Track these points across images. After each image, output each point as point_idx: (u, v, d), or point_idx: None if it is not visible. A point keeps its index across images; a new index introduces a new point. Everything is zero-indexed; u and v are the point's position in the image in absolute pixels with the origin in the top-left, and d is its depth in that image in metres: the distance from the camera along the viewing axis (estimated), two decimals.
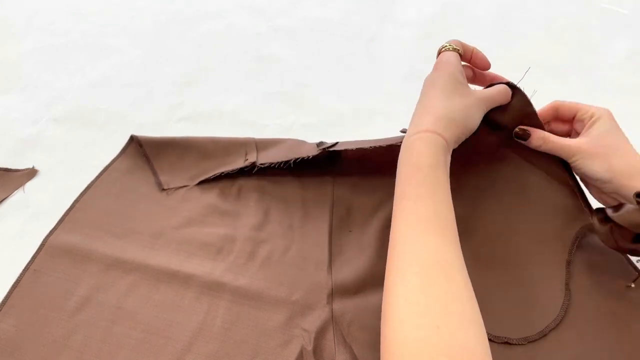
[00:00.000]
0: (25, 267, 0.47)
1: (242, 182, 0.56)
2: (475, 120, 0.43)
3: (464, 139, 0.43)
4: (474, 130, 0.44)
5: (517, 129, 0.46)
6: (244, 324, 0.43)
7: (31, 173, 0.59)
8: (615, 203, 0.43)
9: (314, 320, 0.43)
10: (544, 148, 0.46)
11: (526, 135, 0.46)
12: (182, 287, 0.46)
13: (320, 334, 0.42)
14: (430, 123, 0.41)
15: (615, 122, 0.45)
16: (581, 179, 0.46)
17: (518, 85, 0.47)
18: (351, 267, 0.47)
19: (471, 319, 0.32)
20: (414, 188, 0.38)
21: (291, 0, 0.96)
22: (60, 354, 0.41)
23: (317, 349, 0.41)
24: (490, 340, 0.41)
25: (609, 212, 0.42)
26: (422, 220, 0.36)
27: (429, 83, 0.45)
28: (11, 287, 0.46)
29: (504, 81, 0.47)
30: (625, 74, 0.74)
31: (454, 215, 0.38)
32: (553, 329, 0.42)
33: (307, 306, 0.45)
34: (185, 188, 0.56)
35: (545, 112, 0.48)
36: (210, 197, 0.55)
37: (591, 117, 0.45)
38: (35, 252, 0.49)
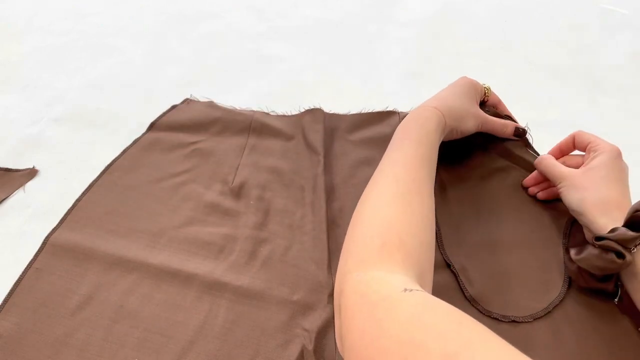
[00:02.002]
0: (27, 266, 0.47)
1: (245, 173, 0.57)
2: (468, 126, 0.51)
3: (454, 135, 0.51)
4: (464, 135, 0.52)
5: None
6: (245, 324, 0.43)
7: (31, 173, 0.59)
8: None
9: (314, 320, 0.43)
10: (539, 168, 0.51)
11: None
12: (183, 287, 0.46)
13: (321, 333, 0.42)
14: (437, 104, 0.49)
15: (617, 160, 0.45)
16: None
17: (527, 133, 0.56)
18: None
19: (415, 219, 0.37)
20: (416, 136, 0.45)
21: (291, 0, 0.96)
22: (62, 352, 0.41)
23: (317, 349, 0.41)
24: (497, 319, 0.43)
25: (572, 254, 0.43)
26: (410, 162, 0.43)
27: (453, 83, 0.54)
28: (13, 285, 0.46)
29: (517, 124, 0.56)
30: (625, 74, 0.74)
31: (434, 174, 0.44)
32: (557, 305, 0.43)
33: (308, 306, 0.45)
34: (187, 185, 0.56)
35: (564, 143, 0.52)
36: (212, 195, 0.55)
37: (596, 150, 0.47)
38: (38, 251, 0.49)
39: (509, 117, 0.56)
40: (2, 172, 0.58)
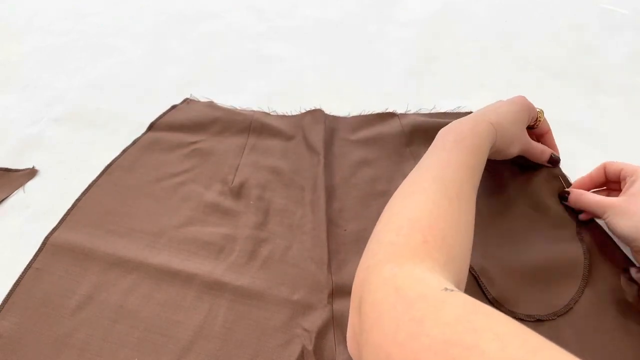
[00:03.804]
0: (27, 266, 0.47)
1: (245, 173, 0.57)
2: (513, 151, 0.50)
3: (496, 157, 0.49)
4: (505, 158, 0.50)
5: (560, 192, 0.52)
6: (245, 324, 0.43)
7: (31, 173, 0.59)
8: None
9: (314, 320, 0.43)
10: (579, 204, 0.49)
11: (567, 195, 0.51)
12: (183, 287, 0.46)
13: (321, 333, 0.42)
14: (495, 122, 0.46)
15: None
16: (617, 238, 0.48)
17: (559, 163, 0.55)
18: (350, 267, 0.47)
19: (461, 225, 0.36)
20: (470, 145, 0.42)
21: (291, 0, 0.96)
22: (62, 352, 0.41)
23: (317, 349, 0.41)
24: (522, 320, 0.42)
25: (633, 273, 0.43)
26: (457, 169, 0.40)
27: (511, 101, 0.51)
28: (13, 285, 0.46)
29: (552, 151, 0.55)
30: (625, 74, 0.74)
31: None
32: (577, 300, 0.43)
33: (308, 306, 0.45)
34: (187, 185, 0.56)
35: (595, 173, 0.52)
36: (211, 195, 0.55)
37: (632, 175, 0.47)
38: (38, 251, 0.49)
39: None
40: (2, 172, 0.58)
